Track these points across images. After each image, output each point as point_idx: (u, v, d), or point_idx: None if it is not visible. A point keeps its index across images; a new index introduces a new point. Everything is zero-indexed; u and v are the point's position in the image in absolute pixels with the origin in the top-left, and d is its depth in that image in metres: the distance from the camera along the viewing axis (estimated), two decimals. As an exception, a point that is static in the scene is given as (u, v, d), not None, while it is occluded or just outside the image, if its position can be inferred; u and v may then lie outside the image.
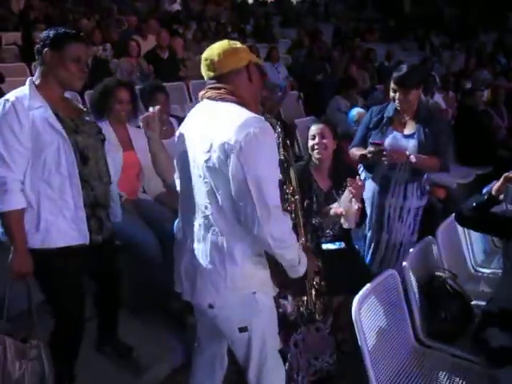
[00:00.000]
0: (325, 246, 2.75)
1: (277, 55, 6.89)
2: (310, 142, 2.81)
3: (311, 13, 15.22)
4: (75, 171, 1.98)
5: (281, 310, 2.21)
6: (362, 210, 2.66)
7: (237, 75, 1.71)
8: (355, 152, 3.02)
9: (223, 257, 1.66)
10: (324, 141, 2.75)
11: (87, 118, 2.16)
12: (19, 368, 1.90)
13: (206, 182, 1.65)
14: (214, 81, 1.74)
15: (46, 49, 1.96)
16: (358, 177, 2.64)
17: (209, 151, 1.61)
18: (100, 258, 2.26)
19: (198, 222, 1.72)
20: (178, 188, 1.89)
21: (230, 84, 1.70)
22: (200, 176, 1.67)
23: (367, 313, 2.12)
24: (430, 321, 2.44)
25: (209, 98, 1.73)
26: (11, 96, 1.91)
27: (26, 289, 2.05)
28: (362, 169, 3.23)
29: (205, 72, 1.76)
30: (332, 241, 2.77)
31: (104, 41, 7.11)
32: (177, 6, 12.09)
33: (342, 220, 2.57)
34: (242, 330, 1.76)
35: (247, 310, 1.73)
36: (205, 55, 1.75)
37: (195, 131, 1.72)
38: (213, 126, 1.63)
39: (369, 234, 3.17)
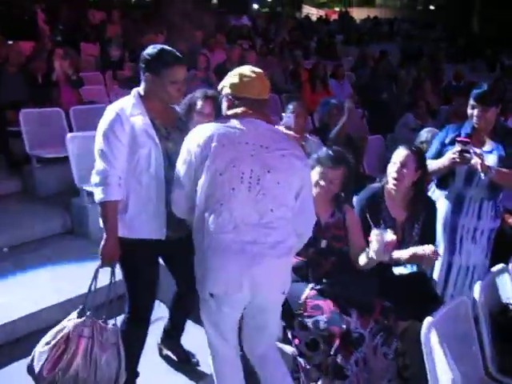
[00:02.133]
0: (397, 271, 2.64)
1: (343, 72, 6.89)
2: (389, 167, 2.65)
3: (375, 31, 15.12)
4: (162, 173, 2.17)
5: (344, 326, 2.20)
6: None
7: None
8: (430, 164, 2.91)
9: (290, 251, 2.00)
10: (404, 170, 2.59)
11: (180, 127, 2.32)
12: (104, 351, 2.04)
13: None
14: (261, 102, 2.00)
15: (147, 73, 2.18)
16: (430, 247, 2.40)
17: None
18: (178, 256, 2.36)
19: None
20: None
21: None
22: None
23: (436, 339, 2.04)
24: (503, 355, 2.31)
25: (257, 118, 1.97)
26: (117, 104, 2.18)
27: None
28: (432, 188, 3.15)
29: (262, 92, 2.00)
30: (404, 264, 2.62)
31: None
32: (245, 21, 12.34)
33: (371, 250, 2.27)
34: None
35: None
36: (265, 79, 2.03)
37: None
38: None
39: (440, 256, 3.06)
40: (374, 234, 2.25)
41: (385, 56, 9.16)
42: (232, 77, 2.00)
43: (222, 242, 1.87)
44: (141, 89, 2.23)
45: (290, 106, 3.56)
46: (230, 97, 1.99)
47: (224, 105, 2.03)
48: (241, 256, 1.85)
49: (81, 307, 2.13)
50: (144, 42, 7.91)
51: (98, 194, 2.11)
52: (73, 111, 4.99)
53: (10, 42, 5.39)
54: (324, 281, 2.43)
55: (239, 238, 1.86)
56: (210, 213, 1.88)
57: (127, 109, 2.15)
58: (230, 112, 1.98)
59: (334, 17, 22.31)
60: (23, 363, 2.60)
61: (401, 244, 2.54)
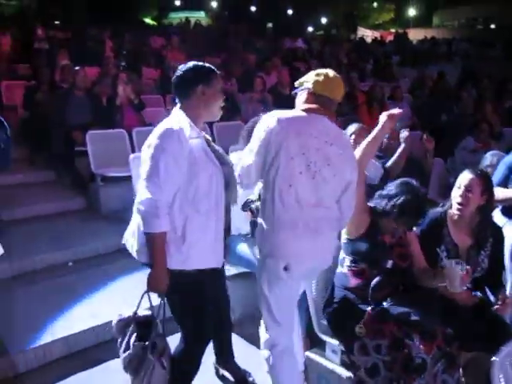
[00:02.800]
0: None
1: (400, 94, 6.80)
2: (454, 191, 2.57)
3: (432, 52, 14.83)
4: (222, 197, 2.12)
5: (406, 351, 2.12)
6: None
7: None
8: (497, 191, 2.79)
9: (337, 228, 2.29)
10: (469, 195, 2.50)
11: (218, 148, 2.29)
12: (162, 367, 2.10)
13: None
14: (334, 103, 2.20)
15: (199, 85, 2.10)
16: None
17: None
18: (219, 281, 2.34)
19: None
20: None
21: None
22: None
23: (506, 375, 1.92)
24: None
25: (325, 115, 2.16)
26: (175, 125, 2.02)
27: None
28: (497, 214, 3.02)
29: (338, 94, 2.20)
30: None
31: (229, 76, 7.57)
32: (299, 44, 12.47)
33: (447, 282, 2.22)
34: None
35: None
36: (343, 84, 2.24)
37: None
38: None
39: (508, 286, 2.91)
40: (449, 267, 2.20)
41: (443, 77, 8.97)
42: (317, 76, 2.19)
43: (291, 217, 2.08)
44: (188, 108, 2.12)
45: (352, 128, 3.56)
46: (311, 92, 2.18)
47: (300, 98, 2.22)
48: (307, 230, 2.09)
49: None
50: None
51: (148, 225, 1.98)
52: (135, 132, 5.20)
53: (77, 68, 5.69)
54: (386, 303, 2.36)
55: (304, 215, 2.09)
56: (279, 191, 2.08)
57: (186, 130, 2.03)
58: (304, 106, 2.17)
59: (390, 38, 22.12)
60: (81, 376, 2.70)
61: None
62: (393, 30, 29.03)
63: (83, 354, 3.01)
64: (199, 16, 29.38)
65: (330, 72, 2.21)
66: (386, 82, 8.41)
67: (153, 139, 2.01)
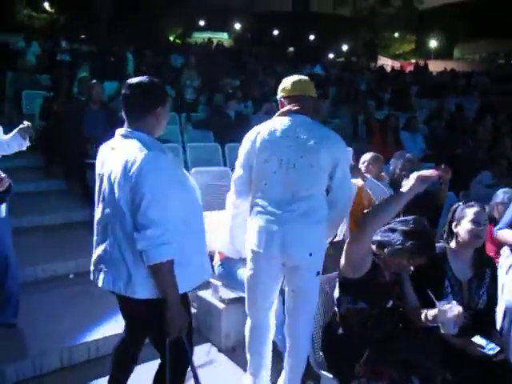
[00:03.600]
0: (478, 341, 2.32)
1: (416, 124, 6.74)
2: (467, 224, 2.45)
3: (451, 84, 14.81)
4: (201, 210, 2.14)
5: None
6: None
7: None
8: (505, 235, 2.73)
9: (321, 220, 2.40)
10: (480, 228, 2.44)
11: None
12: None
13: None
14: (307, 98, 2.47)
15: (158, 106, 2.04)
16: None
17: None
18: None
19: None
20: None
21: None
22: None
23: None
24: None
25: (300, 113, 2.42)
26: (158, 147, 1.95)
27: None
28: (506, 253, 2.93)
29: (306, 89, 2.46)
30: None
31: (246, 98, 7.63)
32: (318, 70, 12.57)
33: (439, 324, 2.15)
34: (317, 274, 2.42)
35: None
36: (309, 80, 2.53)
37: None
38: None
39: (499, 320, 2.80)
40: (440, 308, 2.13)
41: (461, 110, 8.93)
42: (281, 84, 2.51)
43: (266, 211, 2.36)
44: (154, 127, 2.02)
45: (366, 156, 3.60)
46: (281, 99, 2.50)
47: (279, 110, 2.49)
48: (278, 220, 2.32)
49: None
50: (222, 85, 8.28)
51: (158, 254, 1.82)
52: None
53: (94, 81, 5.76)
54: (385, 342, 2.28)
55: (279, 208, 2.34)
56: (257, 191, 2.41)
57: (167, 151, 2.01)
58: (278, 112, 2.46)
59: (410, 68, 22.19)
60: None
61: (467, 307, 2.37)
62: (413, 61, 29.15)
63: (78, 368, 2.98)
64: (222, 37, 29.89)
65: (295, 76, 2.51)
66: (402, 113, 8.41)
67: (144, 162, 1.88)
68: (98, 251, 2.05)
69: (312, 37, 37.35)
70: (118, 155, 1.93)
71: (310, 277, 2.39)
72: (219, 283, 3.24)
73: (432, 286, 2.30)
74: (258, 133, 2.41)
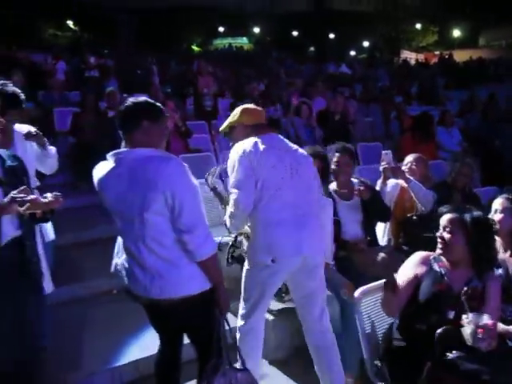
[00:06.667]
0: None
1: (451, 119, 6.53)
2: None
3: (480, 73, 14.46)
4: None
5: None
6: None
7: None
8: None
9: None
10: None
11: None
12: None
13: None
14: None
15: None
16: None
17: None
18: None
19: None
20: None
21: None
22: None
23: None
24: None
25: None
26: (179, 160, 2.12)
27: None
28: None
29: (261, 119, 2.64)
30: None
31: (273, 102, 7.59)
32: (344, 69, 12.45)
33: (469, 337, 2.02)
34: None
35: None
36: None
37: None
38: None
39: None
40: (467, 319, 2.03)
41: (494, 99, 8.65)
42: (241, 114, 2.60)
43: (282, 217, 2.38)
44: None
45: (409, 157, 3.58)
46: (245, 125, 2.58)
47: (240, 132, 2.57)
48: (298, 224, 2.39)
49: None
50: (247, 89, 8.26)
51: (211, 248, 2.05)
52: (181, 159, 5.20)
53: (125, 95, 5.81)
54: (451, 354, 2.16)
55: (292, 213, 2.39)
56: (267, 198, 2.38)
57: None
58: (254, 133, 2.50)
59: (434, 60, 21.77)
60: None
61: None
62: (437, 52, 28.58)
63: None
64: (242, 42, 30.00)
65: (247, 105, 2.69)
66: (432, 106, 8.21)
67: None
68: (133, 265, 2.11)
69: (332, 35, 37.04)
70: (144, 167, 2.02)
71: (322, 274, 2.54)
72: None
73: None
74: (253, 144, 2.43)
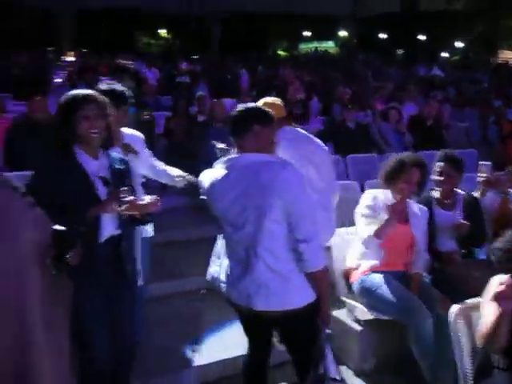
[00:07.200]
0: None
1: (560, 124, 6.01)
2: None
3: None
4: None
5: None
6: None
7: None
8: None
9: None
10: None
11: None
12: None
13: None
14: None
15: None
16: None
17: None
18: None
19: None
20: None
21: None
22: None
23: None
24: None
25: None
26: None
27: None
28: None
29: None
30: None
31: (363, 107, 7.42)
32: (436, 71, 11.92)
33: None
34: None
35: None
36: None
37: None
38: None
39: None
40: None
41: None
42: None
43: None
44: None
45: None
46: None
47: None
48: None
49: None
50: (337, 93, 8.17)
51: (322, 260, 2.05)
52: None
53: (215, 100, 5.93)
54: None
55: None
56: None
57: None
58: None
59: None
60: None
61: None
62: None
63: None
64: (328, 46, 29.74)
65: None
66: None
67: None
68: (239, 273, 2.08)
69: (422, 36, 35.54)
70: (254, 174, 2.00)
71: None
72: (355, 302, 3.11)
73: None
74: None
